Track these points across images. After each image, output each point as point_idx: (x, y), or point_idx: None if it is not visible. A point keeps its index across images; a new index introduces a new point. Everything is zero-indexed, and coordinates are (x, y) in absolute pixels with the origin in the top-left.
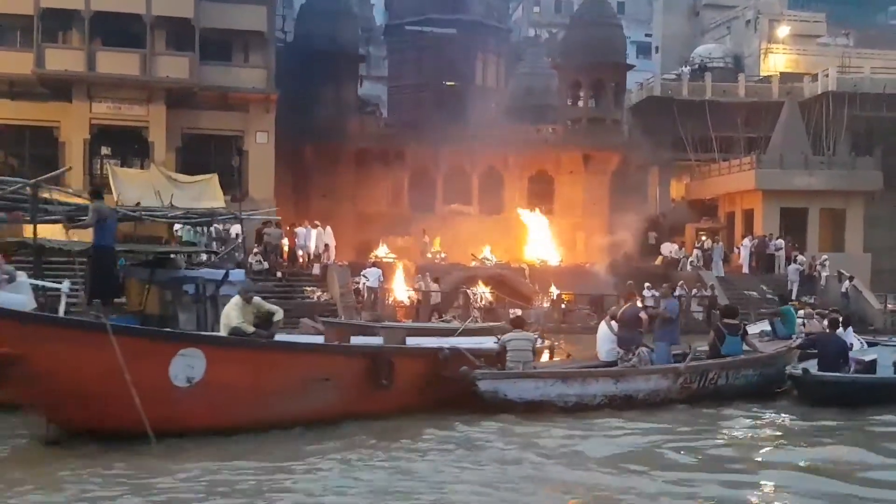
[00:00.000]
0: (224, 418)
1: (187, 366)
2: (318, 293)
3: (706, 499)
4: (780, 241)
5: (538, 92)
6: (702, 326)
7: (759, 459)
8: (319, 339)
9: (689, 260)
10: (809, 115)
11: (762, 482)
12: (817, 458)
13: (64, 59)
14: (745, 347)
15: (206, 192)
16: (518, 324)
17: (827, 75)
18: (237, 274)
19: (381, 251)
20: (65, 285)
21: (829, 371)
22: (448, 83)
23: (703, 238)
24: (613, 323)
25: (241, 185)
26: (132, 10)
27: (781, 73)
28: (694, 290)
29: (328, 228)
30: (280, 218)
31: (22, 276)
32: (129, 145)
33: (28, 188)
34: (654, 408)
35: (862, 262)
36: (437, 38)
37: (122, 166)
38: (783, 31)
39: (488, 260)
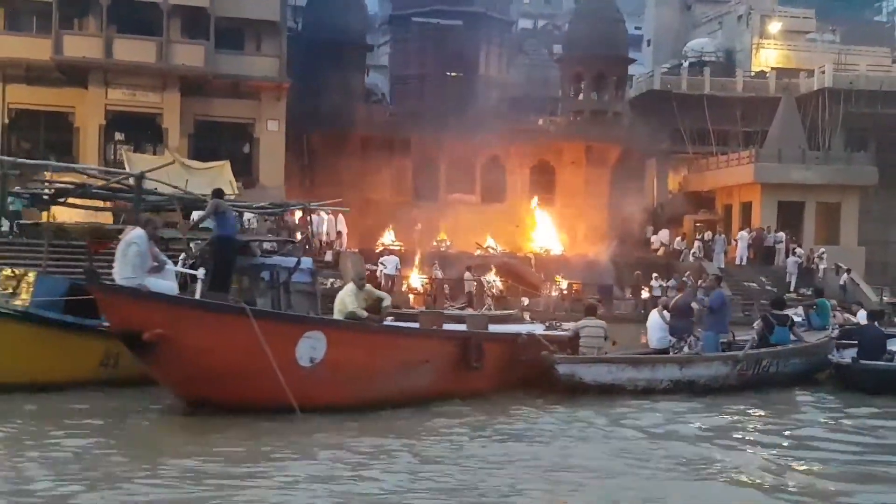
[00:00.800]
0: (340, 396)
1: (311, 347)
2: (332, 280)
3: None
4: (781, 234)
5: (539, 83)
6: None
7: (832, 437)
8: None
9: (692, 251)
10: (805, 110)
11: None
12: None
13: (81, 46)
14: (791, 337)
15: (219, 179)
16: (591, 311)
17: (823, 72)
18: (306, 262)
19: (388, 238)
20: (200, 272)
21: (869, 360)
22: (451, 73)
23: (706, 230)
24: (665, 312)
25: (253, 168)
26: None
27: (773, 69)
28: (699, 282)
29: (340, 216)
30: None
31: (170, 264)
32: (142, 131)
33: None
34: (713, 392)
35: (856, 255)
36: (442, 29)
37: (135, 152)
38: (774, 26)
39: (493, 249)
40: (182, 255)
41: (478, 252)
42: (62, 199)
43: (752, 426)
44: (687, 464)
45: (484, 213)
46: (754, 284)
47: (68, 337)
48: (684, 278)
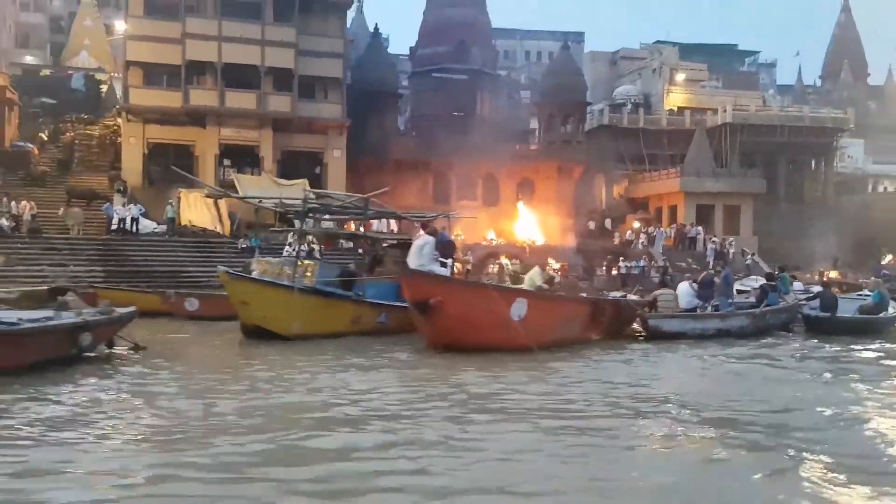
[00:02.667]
0: (534, 341)
1: (519, 308)
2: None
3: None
4: (699, 228)
5: (515, 119)
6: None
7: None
8: None
9: (641, 241)
10: (712, 139)
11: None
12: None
13: (202, 97)
14: (781, 302)
15: (298, 192)
16: (662, 285)
17: (725, 111)
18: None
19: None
20: (448, 262)
21: (827, 314)
22: (456, 113)
23: (649, 226)
24: (694, 284)
25: (322, 187)
26: (251, 62)
27: (679, 108)
28: (652, 263)
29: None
30: None
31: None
32: (245, 158)
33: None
34: (739, 336)
35: (752, 242)
36: (450, 81)
37: (239, 173)
38: (679, 76)
39: (494, 241)
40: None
41: (483, 242)
42: (312, 215)
43: (766, 352)
44: (727, 371)
45: (483, 214)
46: (683, 263)
47: (335, 304)
48: (722, 263)
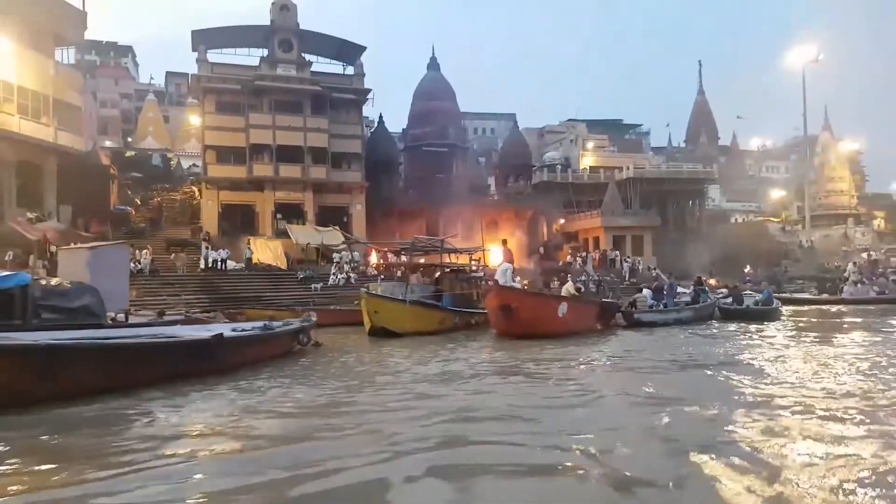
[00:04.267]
0: (569, 329)
1: (563, 309)
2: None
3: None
4: (616, 252)
5: (480, 178)
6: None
7: (744, 335)
8: None
9: (578, 262)
10: (620, 188)
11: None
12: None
13: (261, 169)
14: (707, 300)
15: (335, 236)
16: (638, 291)
17: (628, 168)
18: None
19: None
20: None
21: (737, 306)
22: (439, 175)
23: (582, 252)
24: (649, 291)
25: (349, 232)
26: (297, 143)
27: (591, 167)
28: (593, 276)
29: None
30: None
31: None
32: (293, 212)
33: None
34: (685, 324)
35: (652, 261)
36: (434, 152)
37: (289, 223)
38: (589, 144)
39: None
40: None
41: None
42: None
43: (694, 333)
44: (680, 345)
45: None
46: (607, 277)
47: (429, 311)
48: (666, 276)
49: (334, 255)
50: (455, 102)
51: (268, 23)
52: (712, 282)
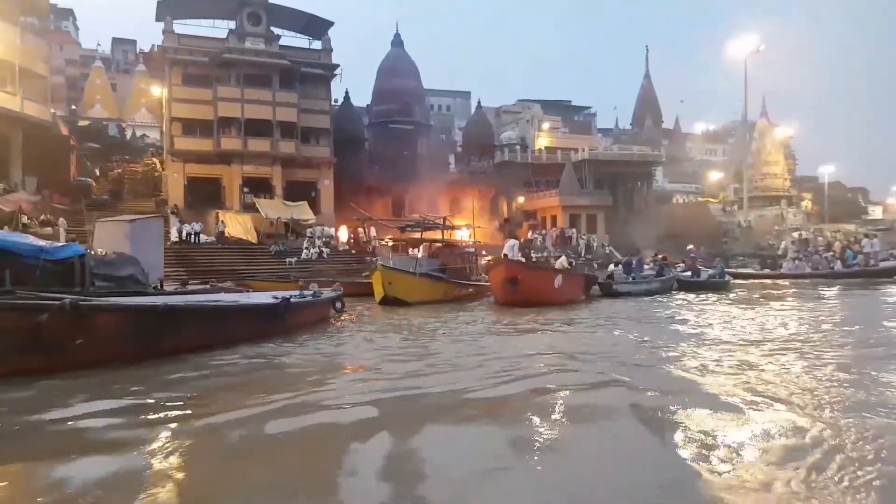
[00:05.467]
0: (562, 299)
1: (559, 280)
2: (374, 261)
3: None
4: (573, 230)
5: (445, 155)
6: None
7: (698, 303)
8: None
9: (537, 239)
10: (577, 168)
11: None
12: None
13: (229, 143)
14: (671, 273)
15: (304, 211)
16: (615, 265)
17: (584, 150)
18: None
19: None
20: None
21: (693, 279)
22: (405, 152)
23: (542, 229)
24: (620, 267)
25: (317, 208)
26: (265, 117)
27: (546, 147)
28: (553, 253)
29: (372, 228)
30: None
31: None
32: (261, 187)
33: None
34: (654, 294)
35: (605, 238)
36: (400, 130)
37: (256, 198)
38: (545, 125)
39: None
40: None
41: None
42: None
43: (664, 302)
44: (646, 315)
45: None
46: (564, 254)
47: (435, 282)
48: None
49: (307, 230)
50: (419, 80)
51: None
52: (660, 257)
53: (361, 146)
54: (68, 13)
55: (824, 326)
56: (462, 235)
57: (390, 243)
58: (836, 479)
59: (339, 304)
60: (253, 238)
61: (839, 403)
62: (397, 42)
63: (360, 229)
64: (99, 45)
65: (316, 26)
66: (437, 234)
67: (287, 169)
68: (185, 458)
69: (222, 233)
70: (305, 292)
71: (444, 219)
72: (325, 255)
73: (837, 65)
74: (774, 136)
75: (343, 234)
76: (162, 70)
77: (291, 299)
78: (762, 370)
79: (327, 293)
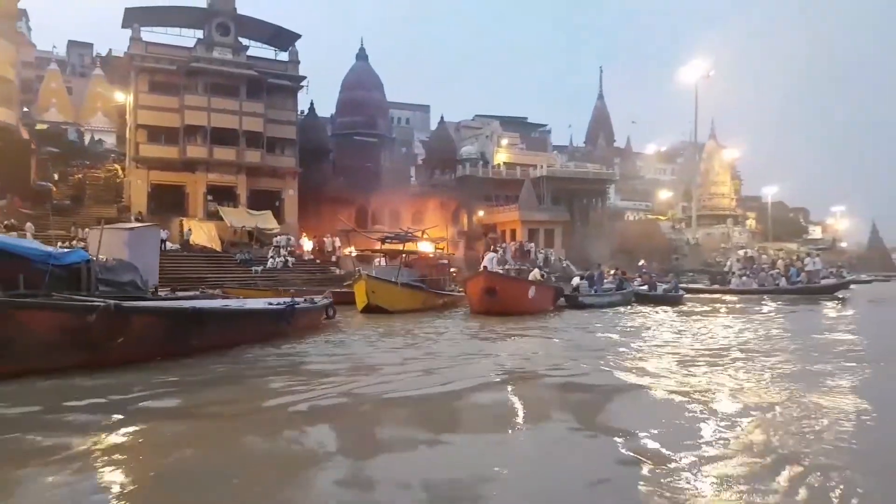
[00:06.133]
0: (535, 308)
1: (532, 291)
2: (337, 271)
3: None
4: (532, 244)
5: (407, 168)
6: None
7: (652, 316)
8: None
9: (497, 254)
10: (535, 184)
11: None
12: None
13: (195, 151)
14: (630, 287)
15: (268, 220)
16: (580, 278)
17: (542, 167)
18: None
19: (350, 249)
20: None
21: (649, 293)
22: (368, 164)
23: (500, 242)
24: (585, 281)
25: (281, 218)
26: (232, 126)
27: (504, 163)
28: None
29: (336, 238)
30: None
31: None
32: (225, 195)
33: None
34: (615, 306)
35: (562, 252)
36: (364, 142)
37: (220, 206)
38: (504, 141)
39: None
40: None
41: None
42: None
43: (625, 314)
44: (611, 325)
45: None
46: (521, 267)
47: (415, 292)
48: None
49: (273, 239)
50: (383, 93)
51: (204, 5)
52: (613, 271)
53: (326, 157)
54: (22, 14)
55: (770, 335)
56: (424, 248)
57: (354, 253)
58: (765, 448)
59: (330, 311)
60: (217, 246)
61: (779, 394)
62: (362, 56)
63: (325, 239)
64: (55, 47)
65: (283, 38)
66: (412, 246)
67: (252, 178)
68: (279, 423)
69: (188, 241)
70: (297, 299)
71: (424, 232)
72: (289, 265)
73: (781, 90)
74: (722, 157)
75: (306, 243)
76: (121, 75)
77: (296, 305)
78: (712, 373)
79: (321, 301)
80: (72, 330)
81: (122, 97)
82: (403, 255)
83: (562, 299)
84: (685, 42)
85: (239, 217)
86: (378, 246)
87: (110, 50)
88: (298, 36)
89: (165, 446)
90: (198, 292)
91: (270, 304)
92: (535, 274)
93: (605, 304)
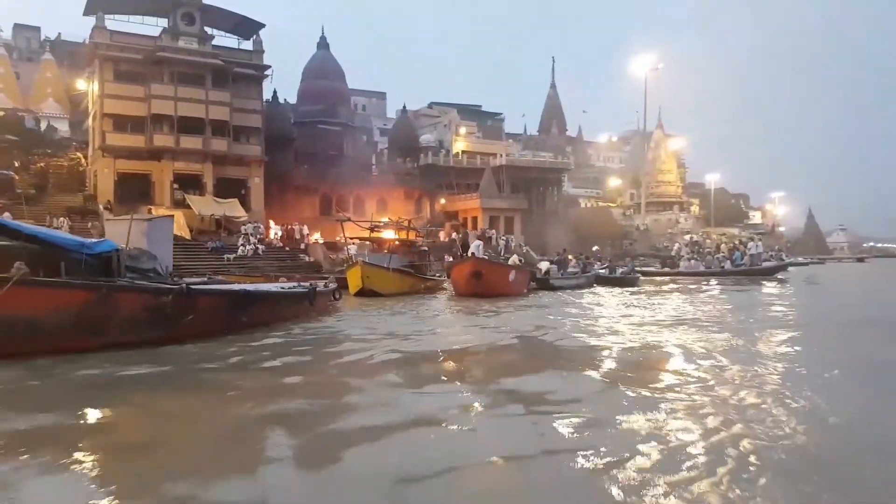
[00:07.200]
0: (514, 291)
1: (512, 275)
2: (307, 258)
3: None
4: (493, 230)
5: (367, 156)
6: None
7: (605, 296)
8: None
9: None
10: (495, 172)
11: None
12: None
13: (162, 140)
14: (593, 270)
15: (235, 208)
16: (552, 263)
17: (501, 156)
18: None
19: (316, 236)
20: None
21: (609, 275)
22: (332, 152)
23: (464, 229)
24: (555, 266)
25: (247, 205)
26: (198, 115)
27: (463, 151)
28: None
29: (304, 226)
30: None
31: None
32: (191, 184)
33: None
34: (583, 287)
35: (521, 239)
36: (327, 130)
37: (187, 194)
38: (462, 130)
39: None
40: None
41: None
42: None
43: (591, 293)
44: (582, 303)
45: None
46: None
47: (404, 276)
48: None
49: (242, 227)
50: (345, 82)
51: None
52: (570, 256)
53: (289, 145)
54: None
55: (718, 308)
56: (388, 235)
57: (321, 241)
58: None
59: (337, 294)
60: (187, 234)
61: (724, 355)
62: (323, 44)
63: (293, 227)
64: (0, 30)
65: (247, 27)
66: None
67: (218, 166)
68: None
69: None
70: (303, 283)
71: (409, 221)
72: (260, 252)
73: (725, 81)
74: (668, 146)
75: (274, 231)
76: (75, 61)
77: (317, 288)
78: (663, 333)
79: (330, 285)
80: (153, 309)
81: (83, 85)
82: (397, 242)
83: (533, 283)
84: (635, 35)
85: (206, 205)
86: (369, 234)
87: (59, 34)
88: (262, 25)
89: (293, 390)
90: (206, 279)
91: (283, 288)
92: (514, 259)
93: (572, 286)
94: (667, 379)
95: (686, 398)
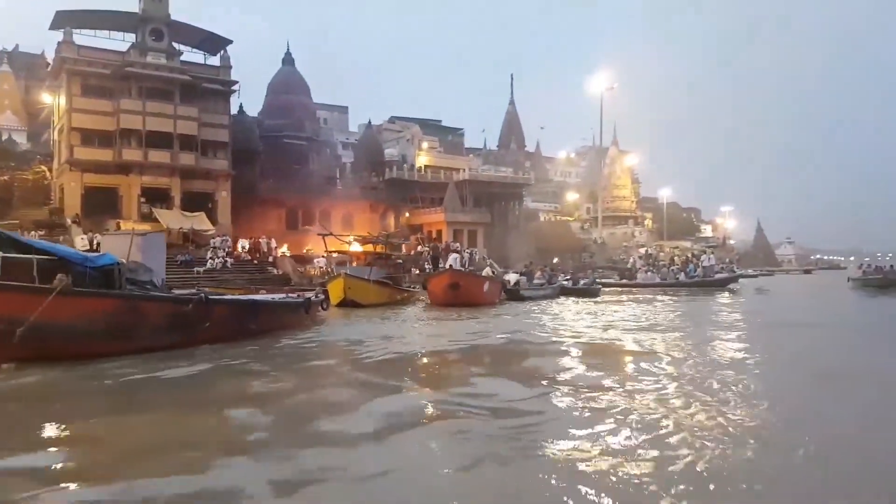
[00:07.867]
0: (488, 300)
1: (486, 286)
2: (275, 271)
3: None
4: (458, 244)
5: (331, 169)
6: None
7: (570, 307)
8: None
9: (425, 252)
10: (459, 187)
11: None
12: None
13: (130, 154)
14: (558, 282)
15: (202, 221)
16: (522, 275)
17: (465, 171)
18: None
19: (283, 249)
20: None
21: (573, 287)
22: (296, 166)
23: (430, 243)
24: (523, 277)
25: (214, 219)
26: (166, 129)
27: (425, 166)
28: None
29: (272, 239)
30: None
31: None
32: (160, 197)
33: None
34: (549, 298)
35: (485, 252)
36: (293, 144)
37: (154, 207)
38: (424, 144)
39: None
40: None
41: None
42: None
43: (558, 304)
44: (552, 311)
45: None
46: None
47: (384, 287)
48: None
49: (211, 240)
50: (310, 97)
51: (135, 9)
52: (534, 268)
53: (255, 159)
54: None
55: (674, 315)
56: (355, 248)
57: (289, 254)
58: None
59: (325, 305)
60: None
61: (680, 352)
62: (288, 60)
63: (261, 240)
64: None
65: (214, 43)
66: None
67: (186, 180)
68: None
69: None
70: (291, 295)
71: (388, 235)
72: (229, 265)
73: (675, 99)
74: (623, 162)
75: (242, 244)
76: (34, 74)
77: (311, 299)
78: (625, 335)
79: (319, 296)
80: (175, 316)
81: (48, 98)
82: (380, 257)
83: (503, 293)
84: (592, 55)
85: (174, 219)
86: (348, 248)
87: (17, 45)
88: (230, 41)
89: (313, 387)
90: (195, 291)
91: (273, 299)
92: (488, 271)
93: (540, 296)
94: (645, 384)
95: (660, 397)
